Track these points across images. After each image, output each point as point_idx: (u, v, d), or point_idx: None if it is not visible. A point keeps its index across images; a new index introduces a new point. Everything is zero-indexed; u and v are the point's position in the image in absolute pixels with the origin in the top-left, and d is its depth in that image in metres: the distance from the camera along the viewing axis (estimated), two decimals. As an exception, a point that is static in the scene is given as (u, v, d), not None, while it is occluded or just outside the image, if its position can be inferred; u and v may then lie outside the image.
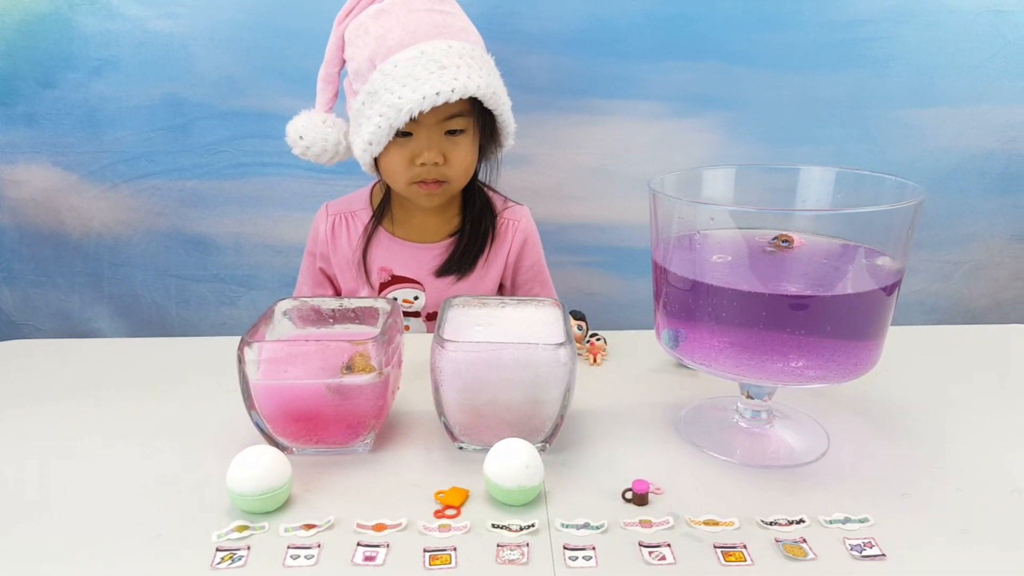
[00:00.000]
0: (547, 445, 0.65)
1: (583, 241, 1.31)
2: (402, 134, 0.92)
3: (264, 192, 1.26)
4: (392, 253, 1.05)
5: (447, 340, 0.61)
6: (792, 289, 0.60)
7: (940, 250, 1.32)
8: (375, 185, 1.09)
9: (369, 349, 0.61)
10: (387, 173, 0.97)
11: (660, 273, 0.64)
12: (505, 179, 1.22)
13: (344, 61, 0.96)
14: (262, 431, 0.64)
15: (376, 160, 0.96)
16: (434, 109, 0.88)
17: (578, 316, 0.89)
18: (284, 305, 0.70)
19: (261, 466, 0.57)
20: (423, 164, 0.94)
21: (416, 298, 1.04)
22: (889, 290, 0.59)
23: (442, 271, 1.03)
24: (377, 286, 1.05)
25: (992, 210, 1.29)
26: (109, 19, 1.17)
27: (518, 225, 1.07)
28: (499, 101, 0.94)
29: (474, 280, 1.05)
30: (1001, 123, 1.24)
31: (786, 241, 0.66)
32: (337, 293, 1.11)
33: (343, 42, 0.95)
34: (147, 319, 1.32)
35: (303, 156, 0.96)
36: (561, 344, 0.61)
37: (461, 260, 1.03)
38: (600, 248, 1.32)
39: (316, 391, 0.61)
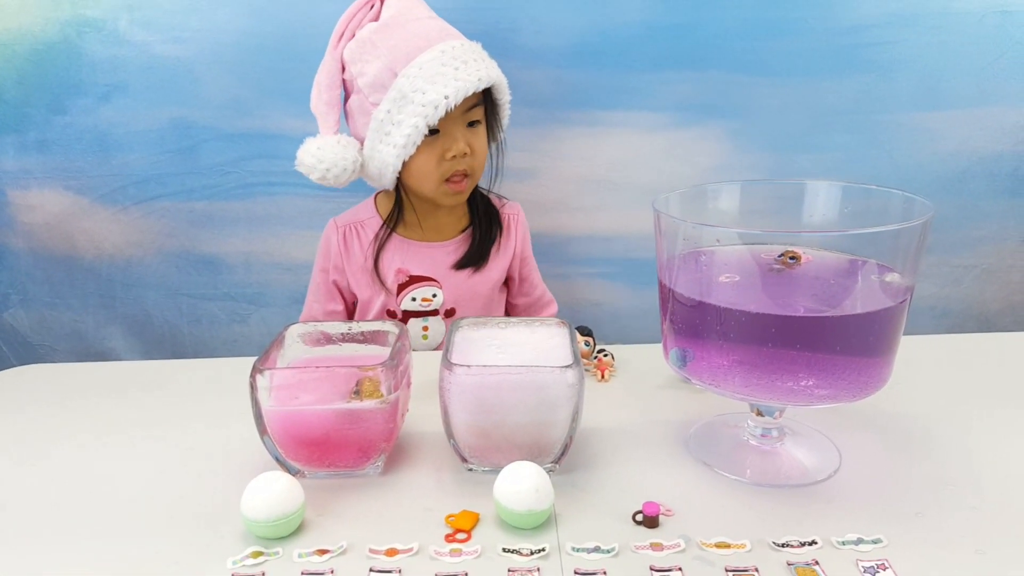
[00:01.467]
0: (556, 466, 0.65)
1: (589, 253, 1.31)
2: (431, 132, 0.96)
3: (272, 211, 1.26)
4: (407, 255, 1.08)
5: (455, 364, 0.62)
6: (801, 309, 0.59)
7: (950, 254, 1.31)
8: (377, 195, 1.12)
9: (378, 374, 0.62)
10: (417, 175, 1.00)
11: (666, 293, 0.64)
12: (509, 192, 1.22)
13: (344, 82, 0.99)
14: (275, 455, 0.64)
15: (401, 168, 0.99)
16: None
17: (585, 332, 0.89)
18: (295, 330, 0.71)
19: (274, 492, 0.57)
20: (454, 157, 0.99)
21: (434, 295, 1.07)
22: (899, 307, 0.59)
23: (461, 263, 1.08)
24: (395, 288, 1.07)
25: (1003, 212, 1.28)
26: (116, 45, 1.18)
27: (518, 219, 1.15)
28: (505, 90, 1.03)
29: (487, 271, 1.10)
30: (1010, 124, 1.23)
31: (793, 258, 0.66)
32: (350, 305, 1.14)
33: (342, 64, 0.99)
34: (160, 338, 1.33)
35: (321, 181, 0.99)
36: (568, 366, 0.61)
37: (479, 251, 1.09)
38: (606, 259, 1.32)
39: (326, 416, 0.62)
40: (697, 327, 0.62)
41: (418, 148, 0.96)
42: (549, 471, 0.65)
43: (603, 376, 0.85)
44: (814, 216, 0.70)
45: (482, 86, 0.96)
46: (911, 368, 0.74)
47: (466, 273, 1.09)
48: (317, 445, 0.63)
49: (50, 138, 1.21)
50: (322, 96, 0.99)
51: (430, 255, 1.08)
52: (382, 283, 1.07)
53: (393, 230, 1.08)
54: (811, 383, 0.58)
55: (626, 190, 1.28)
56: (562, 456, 0.64)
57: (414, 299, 1.07)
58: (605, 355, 0.87)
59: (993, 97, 1.22)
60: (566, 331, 0.69)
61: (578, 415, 0.63)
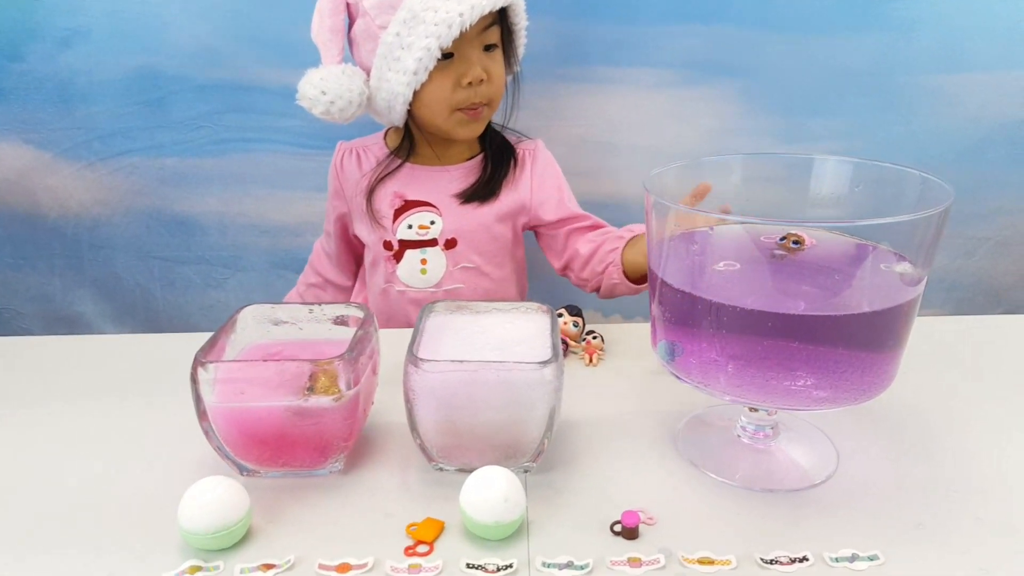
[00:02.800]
0: (533, 464, 0.60)
1: (587, 218, 1.24)
2: (444, 57, 0.88)
3: (247, 170, 1.19)
4: (406, 180, 1.00)
5: (421, 359, 0.56)
6: (802, 304, 0.53)
7: (964, 225, 1.25)
8: (388, 130, 1.04)
9: (335, 368, 0.56)
10: (429, 104, 0.92)
11: (655, 279, 0.58)
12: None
13: (348, 6, 0.91)
14: (223, 454, 0.59)
15: (412, 99, 0.90)
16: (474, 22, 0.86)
17: (574, 311, 0.83)
18: (249, 312, 0.65)
19: (215, 500, 0.52)
20: (470, 84, 0.91)
21: (432, 222, 0.98)
22: (910, 303, 0.53)
23: (469, 196, 0.99)
24: (391, 214, 0.99)
25: (1020, 182, 1.21)
26: (75, -15, 1.10)
27: (536, 154, 1.04)
28: (522, 13, 0.95)
29: (496, 206, 1.00)
30: None
31: (797, 242, 0.60)
32: (352, 246, 1.08)
33: None
34: (132, 302, 1.27)
35: (325, 116, 0.90)
36: (546, 362, 0.55)
37: (489, 184, 1.00)
38: (606, 226, 1.25)
39: (277, 414, 0.56)
40: (687, 319, 0.55)
41: (430, 74, 0.88)
42: (525, 471, 0.60)
43: (591, 360, 0.79)
44: (822, 192, 0.63)
45: (499, 4, 0.87)
46: (918, 355, 0.67)
47: (472, 205, 0.99)
48: (268, 444, 0.58)
49: (6, 87, 1.13)
50: (324, 22, 0.90)
51: (431, 178, 1.00)
52: (372, 215, 0.99)
53: (405, 161, 1.00)
54: (810, 383, 0.53)
55: (628, 152, 1.21)
56: (537, 457, 0.59)
57: (410, 226, 0.98)
58: (595, 337, 0.81)
59: (1018, 61, 1.14)
60: (548, 319, 0.63)
61: (556, 414, 0.57)
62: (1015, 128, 1.18)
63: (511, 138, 1.05)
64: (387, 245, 1.00)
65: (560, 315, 0.82)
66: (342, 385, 0.56)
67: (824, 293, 0.55)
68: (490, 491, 0.52)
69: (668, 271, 0.56)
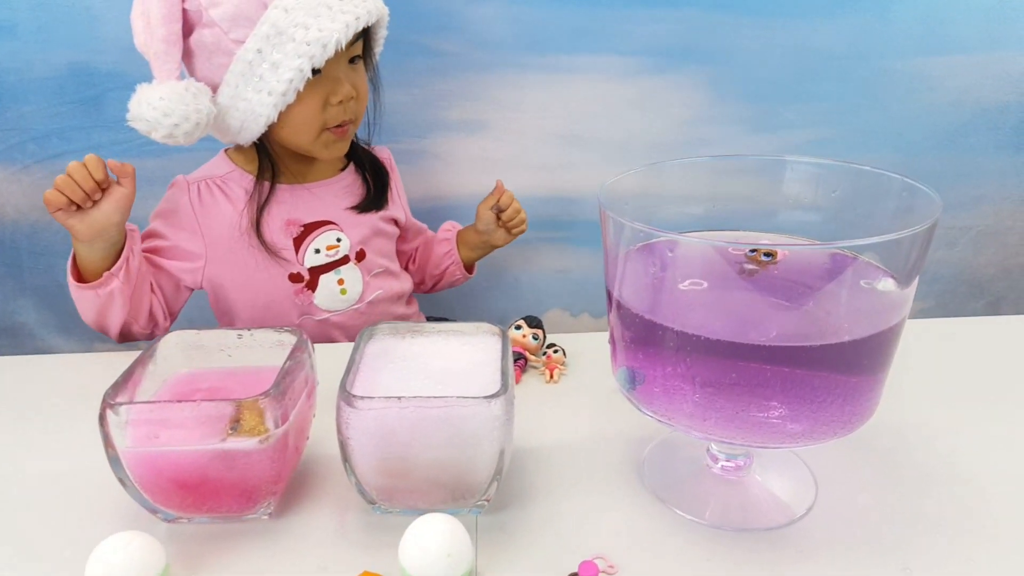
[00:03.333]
0: (486, 503, 0.55)
1: (553, 215, 1.19)
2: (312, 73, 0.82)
3: (192, 170, 1.12)
4: (291, 204, 0.92)
5: (354, 396, 0.50)
6: (774, 333, 0.48)
7: (945, 214, 1.19)
8: (228, 150, 0.95)
9: (262, 404, 0.50)
10: (294, 126, 0.86)
11: (611, 299, 0.53)
12: (460, 147, 1.09)
13: (185, 13, 0.80)
14: (140, 502, 0.53)
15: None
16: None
17: (533, 323, 0.78)
18: (172, 340, 0.59)
19: (126, 560, 0.46)
20: (340, 102, 0.86)
21: (339, 239, 0.94)
22: (895, 327, 0.48)
23: (365, 206, 0.97)
24: (291, 244, 0.91)
25: (1004, 169, 1.17)
26: (-4, -23, 1.02)
27: (391, 161, 1.05)
28: (385, 22, 0.90)
29: (390, 211, 1.00)
30: (1018, 72, 1.11)
31: (768, 255, 0.54)
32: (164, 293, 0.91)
33: None
34: (76, 312, 1.20)
35: (167, 140, 0.80)
36: (495, 395, 0.50)
37: (378, 193, 0.99)
38: (573, 222, 1.19)
39: (198, 458, 0.51)
40: (648, 345, 0.50)
41: (298, 94, 0.82)
42: (475, 512, 0.55)
43: (552, 377, 0.74)
44: (794, 199, 0.58)
45: (372, 19, 0.84)
46: (902, 367, 0.63)
47: (369, 215, 0.97)
48: (189, 491, 0.52)
49: (-73, 88, 1.06)
50: (156, 32, 0.78)
51: (317, 196, 0.93)
52: (268, 250, 0.90)
53: (274, 183, 0.91)
54: (785, 414, 0.48)
55: (593, 144, 1.15)
56: (489, 495, 0.54)
57: (317, 251, 0.92)
58: (556, 351, 0.76)
59: (1001, 42, 1.09)
60: (499, 343, 0.58)
61: (507, 450, 0.52)
62: (997, 113, 1.13)
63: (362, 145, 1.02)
64: (295, 277, 0.92)
65: (518, 327, 0.77)
66: (269, 424, 0.51)
67: (800, 315, 0.50)
68: (432, 544, 0.47)
69: (625, 291, 0.51)
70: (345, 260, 0.94)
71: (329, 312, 0.94)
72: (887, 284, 0.49)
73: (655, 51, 1.09)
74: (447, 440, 0.51)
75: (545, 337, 0.78)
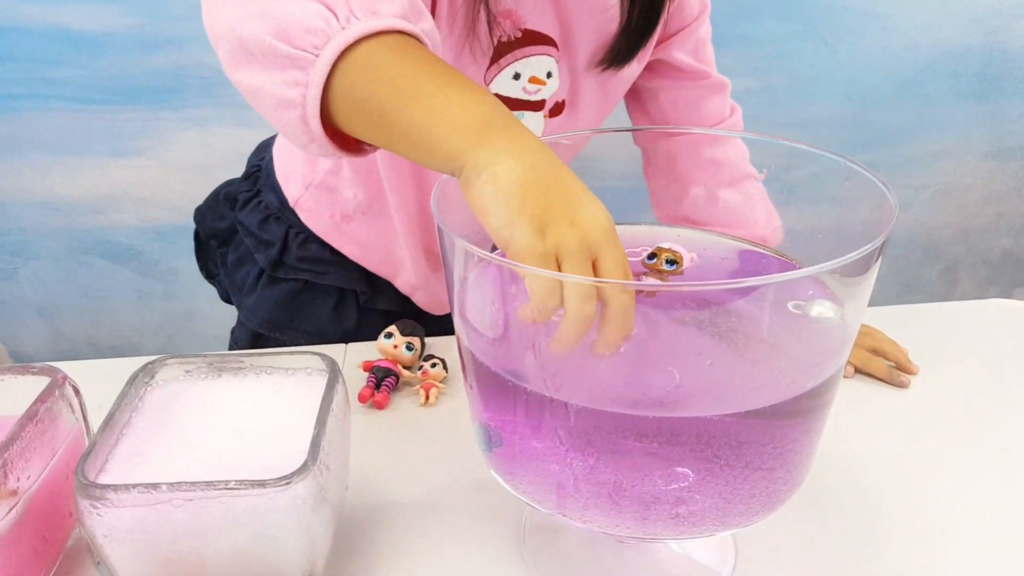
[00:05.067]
0: (302, 601, 0.41)
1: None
2: None
3: (21, 133, 0.95)
4: None
5: (98, 486, 0.35)
6: (677, 377, 0.34)
7: (899, 172, 1.09)
8: None
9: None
10: None
11: (458, 336, 0.38)
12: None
13: None
14: None
15: None
16: None
17: (408, 330, 0.63)
18: None
19: None
20: None
21: (549, 75, 0.61)
22: (832, 379, 0.34)
23: (612, 56, 0.60)
24: (491, 50, 0.58)
25: (965, 120, 1.06)
26: None
27: None
28: None
29: (626, 70, 0.62)
30: (983, 9, 1.00)
31: (673, 262, 0.40)
32: None
33: None
34: None
35: None
36: (295, 476, 0.36)
37: (637, 34, 0.60)
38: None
39: None
40: (502, 400, 0.36)
41: None
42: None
43: (427, 398, 0.59)
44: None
45: None
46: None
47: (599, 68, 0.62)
48: None
49: None
50: None
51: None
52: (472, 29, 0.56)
53: None
54: (686, 500, 0.34)
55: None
56: (301, 597, 0.40)
57: (517, 76, 0.61)
58: (434, 365, 0.61)
59: (964, -28, 0.96)
60: (322, 384, 0.43)
61: (321, 541, 0.38)
62: (959, 57, 1.02)
63: None
64: None
65: (388, 335, 0.62)
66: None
67: (707, 363, 0.36)
68: None
69: (470, 329, 0.36)
70: (538, 105, 0.62)
71: None
72: (823, 308, 0.35)
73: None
74: (234, 538, 0.37)
75: (423, 347, 0.63)
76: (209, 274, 0.77)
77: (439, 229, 0.33)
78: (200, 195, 0.89)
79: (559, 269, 0.31)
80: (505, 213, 0.32)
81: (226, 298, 0.77)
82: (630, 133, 0.51)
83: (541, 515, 0.49)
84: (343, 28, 0.35)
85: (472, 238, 0.32)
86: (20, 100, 0.93)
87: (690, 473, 0.34)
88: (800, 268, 0.36)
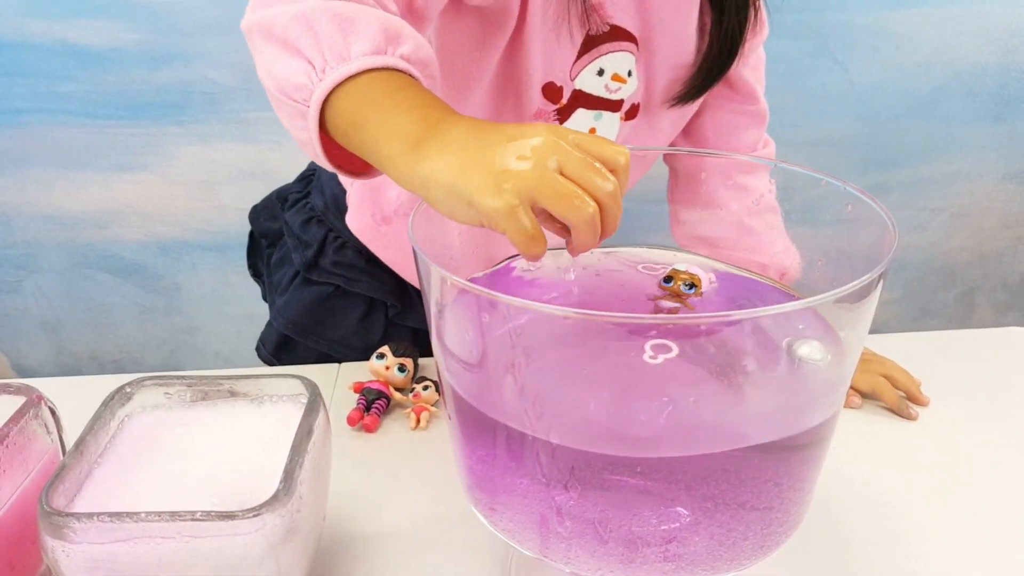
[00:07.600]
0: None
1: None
2: None
3: (26, 147, 0.96)
4: None
5: (61, 514, 0.34)
6: (643, 425, 0.33)
7: (914, 193, 1.07)
8: None
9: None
10: None
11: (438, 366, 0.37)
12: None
13: None
14: None
15: None
16: None
17: (401, 351, 0.61)
18: None
19: None
20: None
21: (630, 73, 0.59)
22: (826, 426, 0.32)
23: (692, 87, 0.61)
24: (579, 41, 0.56)
25: (981, 142, 1.05)
26: None
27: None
28: None
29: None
30: (999, 30, 1.00)
31: (692, 285, 0.39)
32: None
33: None
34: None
35: None
36: (264, 508, 0.34)
37: (730, 44, 0.59)
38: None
39: None
40: (483, 436, 0.35)
41: None
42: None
43: (419, 422, 0.58)
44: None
45: None
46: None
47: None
48: None
49: None
50: None
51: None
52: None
53: None
54: (680, 542, 0.33)
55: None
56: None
57: (601, 72, 0.59)
58: (426, 387, 0.60)
59: (979, -8, 0.96)
60: (298, 414, 0.42)
61: (296, 570, 0.37)
62: (974, 77, 1.01)
63: None
64: (552, 92, 0.58)
65: (380, 356, 0.61)
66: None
67: (691, 400, 0.34)
68: None
69: (451, 361, 0.35)
70: (616, 105, 0.61)
71: None
72: (811, 349, 0.33)
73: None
74: (203, 571, 0.35)
75: (416, 369, 0.62)
76: (256, 272, 0.78)
77: (415, 254, 0.32)
78: (204, 210, 0.89)
79: (544, 195, 0.31)
80: (461, 202, 0.33)
81: (266, 298, 0.77)
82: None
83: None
84: (320, 80, 0.39)
85: (449, 264, 0.31)
86: (26, 114, 0.94)
87: (685, 512, 0.32)
88: (798, 299, 0.34)
